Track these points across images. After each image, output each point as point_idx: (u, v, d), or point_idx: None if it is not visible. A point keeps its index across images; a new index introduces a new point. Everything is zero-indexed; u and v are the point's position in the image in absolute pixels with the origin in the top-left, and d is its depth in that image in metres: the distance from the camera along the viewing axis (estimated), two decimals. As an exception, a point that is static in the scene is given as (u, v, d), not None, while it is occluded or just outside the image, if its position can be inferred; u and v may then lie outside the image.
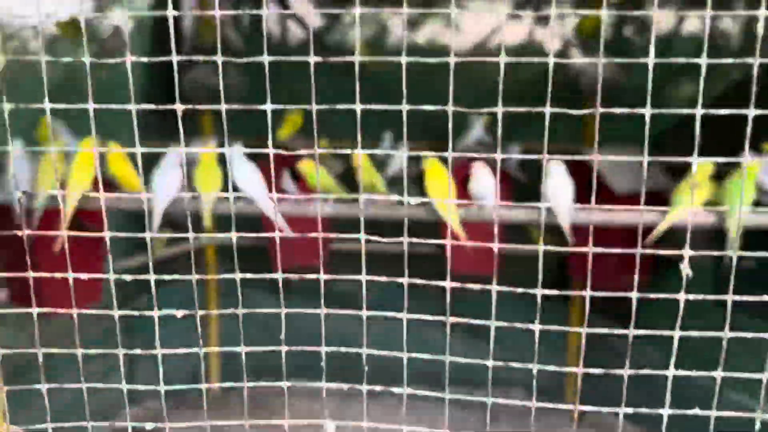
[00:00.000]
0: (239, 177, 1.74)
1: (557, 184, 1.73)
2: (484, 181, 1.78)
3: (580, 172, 1.78)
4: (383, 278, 0.86)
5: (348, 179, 2.04)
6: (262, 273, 0.96)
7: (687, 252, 0.80)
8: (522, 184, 2.08)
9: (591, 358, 0.86)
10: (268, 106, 0.79)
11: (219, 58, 0.75)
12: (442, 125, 0.89)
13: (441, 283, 0.86)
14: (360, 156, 1.51)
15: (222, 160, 1.77)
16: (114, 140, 1.78)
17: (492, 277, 0.90)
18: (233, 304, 0.90)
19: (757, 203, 1.63)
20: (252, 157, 1.79)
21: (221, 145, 2.07)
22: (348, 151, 0.88)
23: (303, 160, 1.92)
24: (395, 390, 0.85)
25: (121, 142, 1.84)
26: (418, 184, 2.19)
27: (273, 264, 2.05)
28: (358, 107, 0.77)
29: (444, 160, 1.92)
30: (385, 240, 0.86)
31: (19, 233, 0.53)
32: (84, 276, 0.84)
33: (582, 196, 2.00)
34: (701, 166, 1.65)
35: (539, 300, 0.85)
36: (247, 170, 1.75)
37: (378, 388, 0.85)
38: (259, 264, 1.00)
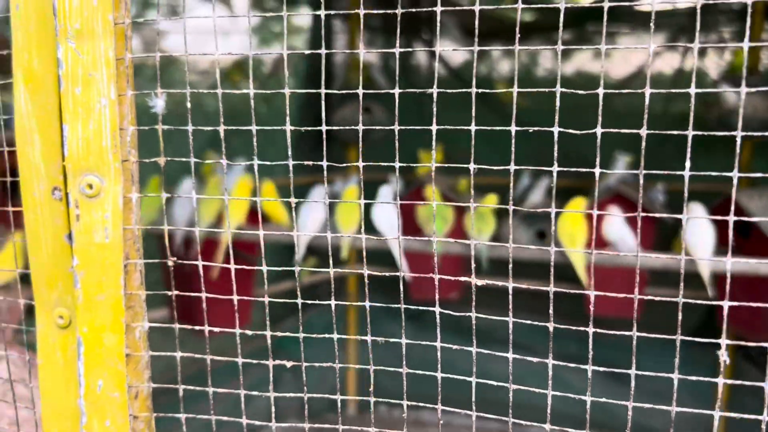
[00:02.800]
0: (377, 216, 1.82)
1: (697, 231, 1.64)
2: (618, 226, 1.73)
3: (728, 214, 1.70)
4: (527, 321, 0.87)
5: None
6: (399, 303, 0.99)
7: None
8: (668, 225, 2.01)
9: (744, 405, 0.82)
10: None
11: (360, 92, 0.80)
12: (584, 162, 0.88)
13: (582, 329, 0.85)
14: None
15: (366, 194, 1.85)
16: (266, 177, 1.92)
17: (631, 320, 0.88)
18: (373, 332, 0.93)
19: None
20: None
21: (365, 179, 2.17)
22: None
23: (430, 188, 1.96)
24: (540, 425, 0.85)
25: (271, 178, 1.98)
26: (555, 223, 2.17)
27: (410, 295, 2.10)
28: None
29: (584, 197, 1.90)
30: (524, 286, 0.87)
31: (168, 262, 0.60)
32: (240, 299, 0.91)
33: (729, 238, 1.90)
34: None
35: (677, 348, 0.83)
36: (384, 211, 1.82)
37: (524, 422, 0.86)
38: (397, 294, 1.03)
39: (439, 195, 1.87)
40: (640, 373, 0.83)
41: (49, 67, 0.54)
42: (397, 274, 0.94)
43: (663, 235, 1.96)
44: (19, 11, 0.54)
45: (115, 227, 0.53)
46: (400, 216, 1.83)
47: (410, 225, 2.09)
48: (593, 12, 2.45)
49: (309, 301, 0.82)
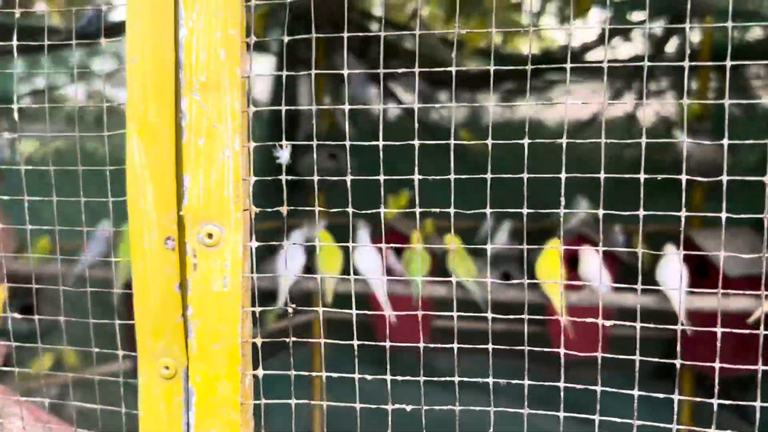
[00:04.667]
0: (361, 260, 1.83)
1: (672, 269, 1.71)
2: (594, 265, 1.80)
3: (689, 256, 1.79)
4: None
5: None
6: (366, 348, 0.99)
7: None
8: (628, 267, 2.09)
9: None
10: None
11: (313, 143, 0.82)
12: (545, 206, 0.91)
13: (555, 384, 0.87)
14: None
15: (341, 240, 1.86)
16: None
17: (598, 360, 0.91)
18: (342, 380, 0.92)
19: None
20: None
21: (329, 226, 2.17)
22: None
23: (413, 232, 1.99)
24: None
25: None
26: (520, 264, 2.23)
27: (377, 340, 2.10)
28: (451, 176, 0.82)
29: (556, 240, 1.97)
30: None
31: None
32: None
33: (692, 278, 2.00)
34: None
35: (635, 396, 0.86)
36: (368, 254, 1.83)
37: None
38: (364, 339, 1.01)
39: (420, 238, 1.90)
40: (603, 418, 0.86)
41: (166, 119, 0.54)
42: (382, 313, 0.95)
43: (628, 276, 2.03)
44: (135, 64, 0.54)
45: (234, 276, 0.54)
46: (379, 259, 1.85)
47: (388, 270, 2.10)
48: (542, 62, 2.56)
49: (332, 341, 0.81)
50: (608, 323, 0.80)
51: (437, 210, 0.74)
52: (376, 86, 2.66)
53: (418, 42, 0.72)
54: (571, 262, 2.01)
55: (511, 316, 0.84)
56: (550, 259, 1.75)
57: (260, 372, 0.57)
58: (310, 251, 1.96)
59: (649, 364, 0.93)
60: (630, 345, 1.02)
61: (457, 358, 0.86)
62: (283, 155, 0.56)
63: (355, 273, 1.83)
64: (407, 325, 1.91)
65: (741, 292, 0.90)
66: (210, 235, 0.54)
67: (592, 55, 2.81)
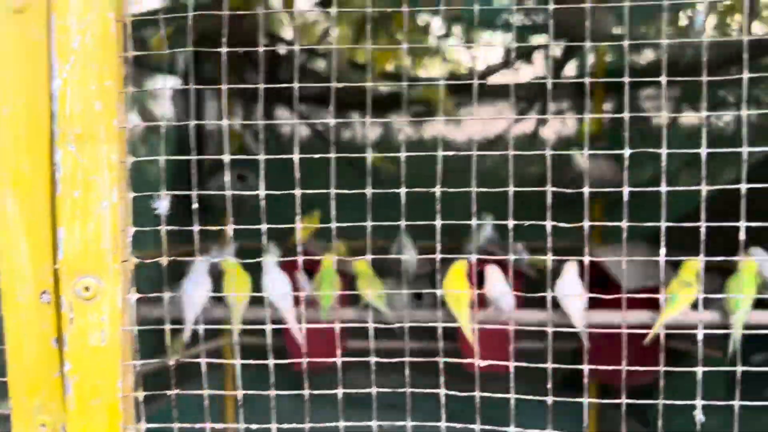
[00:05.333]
0: (269, 286, 1.81)
1: (570, 286, 1.77)
2: (499, 284, 1.84)
3: (590, 272, 1.85)
4: (425, 390, 0.90)
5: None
6: (281, 372, 0.99)
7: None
8: (533, 281, 2.15)
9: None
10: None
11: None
12: (453, 225, 0.93)
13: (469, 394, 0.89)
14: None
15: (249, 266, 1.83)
16: (144, 246, 1.84)
17: (506, 374, 0.94)
18: (252, 402, 0.92)
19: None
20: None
21: (240, 250, 2.14)
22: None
23: (326, 256, 1.97)
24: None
25: (147, 247, 1.91)
26: (431, 283, 2.26)
27: (291, 363, 2.08)
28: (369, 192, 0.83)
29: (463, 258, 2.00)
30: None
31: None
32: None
33: (590, 292, 2.07)
34: (688, 263, 1.70)
35: (550, 402, 0.89)
36: (277, 279, 1.81)
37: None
38: (277, 365, 1.00)
39: (330, 262, 1.89)
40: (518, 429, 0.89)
41: (41, 171, 0.53)
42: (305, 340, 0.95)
43: (531, 291, 2.09)
44: (7, 115, 0.52)
45: (113, 329, 0.53)
46: (288, 283, 1.83)
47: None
48: (447, 86, 2.62)
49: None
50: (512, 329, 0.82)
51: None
52: (286, 109, 2.65)
53: (327, 64, 0.73)
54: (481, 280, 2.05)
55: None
56: (455, 278, 1.77)
57: (143, 426, 0.56)
58: (218, 277, 1.93)
59: (555, 377, 0.96)
60: (537, 359, 1.05)
61: (373, 378, 0.86)
62: (162, 205, 0.55)
63: (269, 303, 1.81)
64: (320, 348, 1.91)
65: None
66: (87, 288, 0.53)
67: (495, 78, 2.89)
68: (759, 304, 1.68)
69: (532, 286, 2.14)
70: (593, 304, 2.11)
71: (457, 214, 0.91)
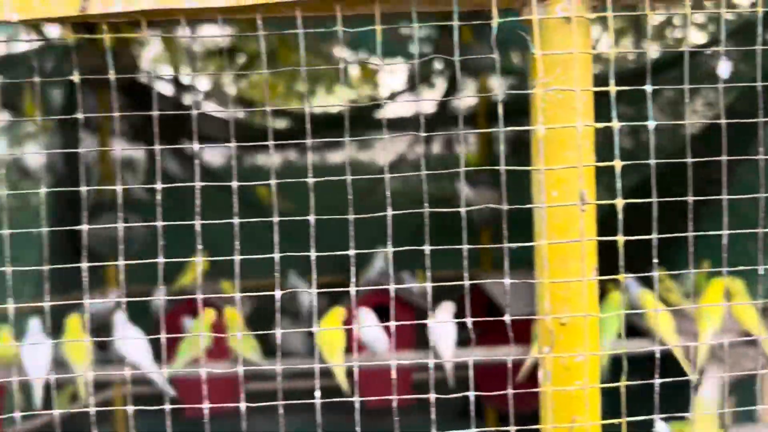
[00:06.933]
0: (122, 344, 1.73)
1: (440, 326, 1.78)
2: (372, 329, 1.84)
3: (476, 298, 1.87)
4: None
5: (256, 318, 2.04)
6: (176, 420, 0.95)
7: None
8: (423, 313, 2.15)
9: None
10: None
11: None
12: (344, 259, 0.92)
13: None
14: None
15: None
16: (16, 299, 1.73)
17: (401, 409, 0.93)
18: None
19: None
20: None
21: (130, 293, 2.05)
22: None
23: (207, 309, 1.90)
24: None
25: (21, 299, 1.79)
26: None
27: (184, 411, 2.00)
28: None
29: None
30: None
31: None
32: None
33: (477, 322, 2.09)
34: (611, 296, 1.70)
35: None
36: (131, 336, 1.72)
37: None
38: (173, 411, 0.96)
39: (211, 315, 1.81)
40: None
41: None
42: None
43: (423, 326, 2.09)
44: None
45: None
46: (143, 338, 1.74)
47: (172, 348, 2.00)
48: (341, 119, 2.64)
49: None
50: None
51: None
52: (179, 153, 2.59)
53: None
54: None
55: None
56: (329, 325, 1.74)
57: None
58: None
59: (453, 407, 0.96)
60: (426, 392, 1.04)
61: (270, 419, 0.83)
62: None
63: (120, 359, 1.73)
64: (216, 394, 1.83)
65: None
66: None
67: (399, 101, 2.93)
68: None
69: (420, 317, 2.14)
70: (479, 334, 2.14)
71: (352, 245, 0.90)
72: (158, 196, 0.77)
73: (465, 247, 0.83)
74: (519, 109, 0.94)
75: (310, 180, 0.77)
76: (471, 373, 0.86)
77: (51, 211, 2.22)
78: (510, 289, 2.07)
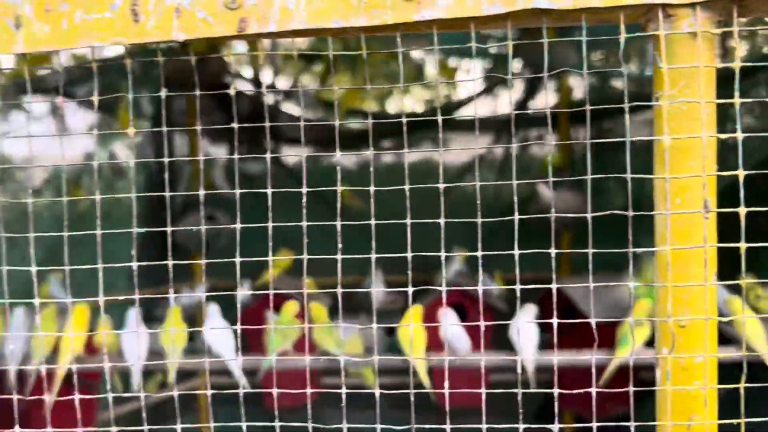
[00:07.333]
0: (210, 335, 1.80)
1: (523, 328, 1.78)
2: (453, 328, 1.83)
3: (556, 302, 1.85)
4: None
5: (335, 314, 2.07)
6: (255, 413, 0.98)
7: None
8: (504, 315, 2.14)
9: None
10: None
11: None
12: (422, 259, 0.93)
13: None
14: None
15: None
16: (111, 291, 1.83)
17: (479, 409, 0.94)
18: None
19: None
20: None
21: (213, 288, 2.13)
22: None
23: (289, 301, 1.96)
24: None
25: (117, 291, 1.89)
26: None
27: (265, 405, 2.06)
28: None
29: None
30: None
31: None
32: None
33: (558, 324, 2.06)
34: (641, 303, 1.72)
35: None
36: (217, 329, 1.80)
37: None
38: (250, 408, 0.99)
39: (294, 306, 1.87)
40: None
41: None
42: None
43: (500, 327, 2.09)
44: None
45: None
46: (229, 332, 1.80)
47: (257, 340, 2.06)
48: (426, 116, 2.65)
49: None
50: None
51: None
52: (260, 152, 2.66)
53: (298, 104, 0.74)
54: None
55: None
56: (409, 323, 1.74)
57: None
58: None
59: (530, 409, 0.96)
60: (505, 394, 1.05)
61: (347, 414, 0.86)
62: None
63: (208, 350, 1.80)
64: (293, 387, 1.88)
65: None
66: None
67: (476, 104, 2.92)
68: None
69: (504, 320, 2.14)
70: (558, 338, 2.11)
71: (430, 248, 0.91)
72: (237, 200, 0.81)
73: (552, 251, 0.83)
74: (601, 111, 0.94)
75: (407, 187, 0.79)
76: (555, 375, 0.86)
77: (143, 206, 2.33)
78: (588, 293, 2.03)
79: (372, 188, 0.82)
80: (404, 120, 0.80)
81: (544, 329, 1.84)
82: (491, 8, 0.69)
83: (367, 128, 2.93)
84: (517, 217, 0.84)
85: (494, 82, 2.79)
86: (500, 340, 1.95)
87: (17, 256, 0.93)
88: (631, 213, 0.81)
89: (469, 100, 3.03)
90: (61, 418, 1.07)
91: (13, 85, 1.96)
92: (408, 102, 3.46)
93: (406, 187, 0.83)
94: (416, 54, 3.09)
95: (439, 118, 0.79)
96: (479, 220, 0.85)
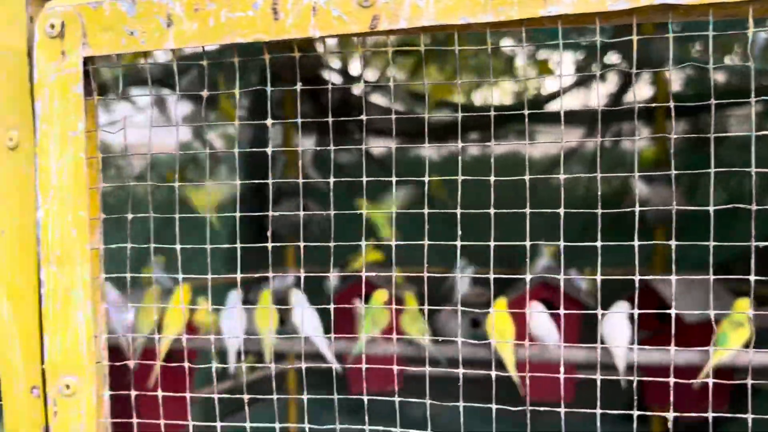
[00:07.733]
0: (298, 320, 1.87)
1: (614, 326, 1.75)
2: (543, 323, 1.82)
3: (648, 301, 1.81)
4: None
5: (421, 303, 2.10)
6: (343, 394, 1.01)
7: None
8: (591, 314, 2.11)
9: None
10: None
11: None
12: (509, 253, 0.93)
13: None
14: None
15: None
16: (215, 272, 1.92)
17: (566, 404, 0.93)
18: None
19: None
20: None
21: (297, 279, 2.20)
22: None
23: (379, 290, 1.99)
24: None
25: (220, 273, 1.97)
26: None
27: (349, 389, 2.11)
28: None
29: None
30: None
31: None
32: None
33: (650, 323, 2.01)
34: (740, 302, 1.65)
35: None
36: (305, 313, 1.85)
37: None
38: (337, 387, 1.02)
39: (384, 295, 1.91)
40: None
41: (30, 285, 0.67)
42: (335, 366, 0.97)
43: (587, 324, 2.06)
44: (5, 236, 0.67)
45: (90, 422, 0.65)
46: (335, 313, 1.85)
47: (348, 322, 2.11)
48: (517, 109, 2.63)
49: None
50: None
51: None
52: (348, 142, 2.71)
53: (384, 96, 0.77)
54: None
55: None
56: (499, 316, 1.76)
57: None
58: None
59: (616, 407, 0.95)
60: (593, 391, 1.04)
61: (430, 405, 0.88)
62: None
63: (295, 331, 1.86)
64: (378, 373, 1.92)
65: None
66: (68, 386, 0.66)
67: (568, 97, 2.88)
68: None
69: (590, 315, 2.11)
70: (650, 336, 2.06)
71: (517, 240, 0.92)
72: (330, 190, 0.84)
73: (636, 243, 0.82)
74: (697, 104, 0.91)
75: (492, 179, 0.81)
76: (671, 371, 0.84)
77: (242, 194, 2.41)
78: (684, 293, 1.97)
79: (459, 177, 0.83)
80: (492, 114, 0.81)
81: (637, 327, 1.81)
82: (617, 4, 0.68)
83: (455, 120, 2.94)
84: (600, 211, 0.83)
85: (588, 75, 2.74)
86: (589, 338, 1.92)
87: (122, 240, 0.99)
88: (754, 207, 0.77)
89: (562, 92, 2.99)
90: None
91: (117, 79, 2.06)
92: (496, 94, 3.44)
93: (492, 178, 0.83)
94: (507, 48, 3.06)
95: (526, 112, 0.79)
96: (561, 210, 0.85)
